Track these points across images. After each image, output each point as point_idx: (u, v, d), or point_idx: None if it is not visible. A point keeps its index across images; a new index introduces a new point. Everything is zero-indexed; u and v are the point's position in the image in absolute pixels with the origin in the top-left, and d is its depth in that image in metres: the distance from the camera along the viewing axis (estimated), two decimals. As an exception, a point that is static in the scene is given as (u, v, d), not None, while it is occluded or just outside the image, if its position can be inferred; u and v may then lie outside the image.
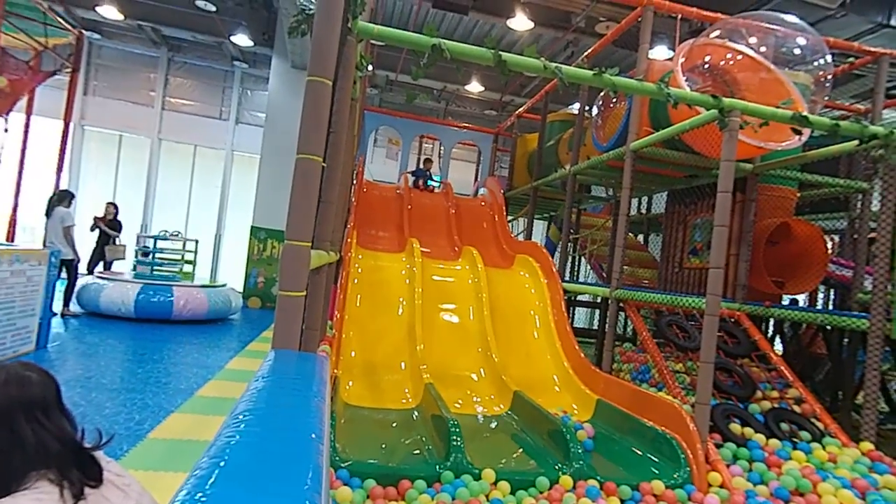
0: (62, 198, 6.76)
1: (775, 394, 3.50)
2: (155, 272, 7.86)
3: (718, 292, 2.95)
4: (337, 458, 2.53)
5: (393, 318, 4.64)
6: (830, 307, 5.51)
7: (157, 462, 2.86)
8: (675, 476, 2.79)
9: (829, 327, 4.15)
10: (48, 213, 6.69)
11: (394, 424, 3.30)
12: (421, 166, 7.89)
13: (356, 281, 4.90)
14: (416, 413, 3.51)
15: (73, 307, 7.05)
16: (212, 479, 0.47)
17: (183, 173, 12.51)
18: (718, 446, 2.98)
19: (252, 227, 10.24)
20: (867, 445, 3.05)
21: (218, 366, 5.16)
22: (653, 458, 3.00)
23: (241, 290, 9.86)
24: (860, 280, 4.25)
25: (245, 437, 0.60)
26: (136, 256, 8.02)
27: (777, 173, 4.20)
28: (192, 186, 12.62)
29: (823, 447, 3.04)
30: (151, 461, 2.86)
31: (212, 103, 12.53)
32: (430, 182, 7.63)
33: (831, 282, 4.59)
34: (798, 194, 4.64)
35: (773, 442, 3.01)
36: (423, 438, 3.07)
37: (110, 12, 9.57)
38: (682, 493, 2.67)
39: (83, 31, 7.69)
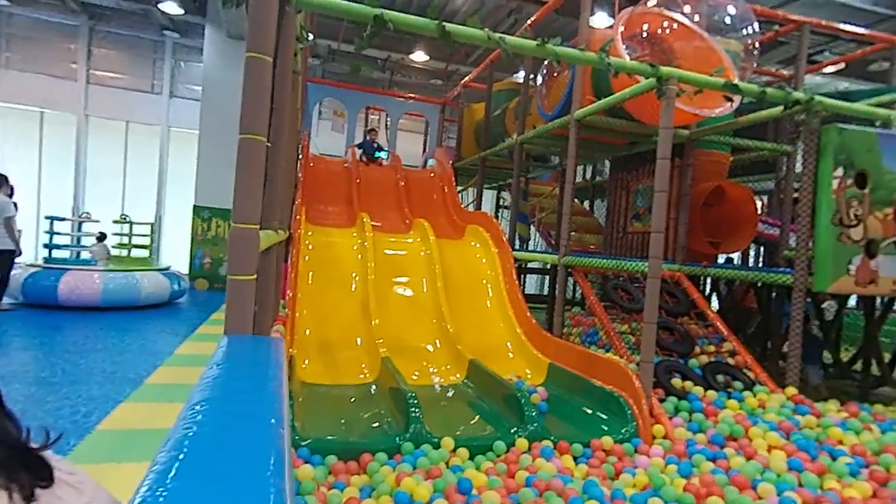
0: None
1: (712, 348, 3.77)
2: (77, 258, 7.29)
3: (659, 255, 3.11)
4: (297, 437, 2.54)
5: (346, 293, 4.61)
6: (760, 264, 5.93)
7: (109, 454, 2.77)
8: (622, 431, 2.96)
9: (759, 283, 4.48)
10: None
11: (352, 400, 3.33)
12: (366, 138, 7.53)
13: (307, 258, 4.81)
14: (373, 387, 3.55)
15: (5, 300, 6.56)
16: (171, 473, 0.47)
17: (115, 152, 11.69)
18: (661, 401, 3.19)
19: (195, 206, 9.77)
20: (791, 390, 3.35)
21: (167, 352, 4.99)
22: (602, 415, 3.17)
23: (186, 272, 9.48)
24: (786, 238, 4.57)
25: (203, 428, 0.60)
26: (50, 241, 7.37)
27: (711, 138, 4.41)
28: (126, 166, 11.82)
29: (754, 395, 3.31)
30: (102, 454, 2.76)
31: (142, 76, 11.65)
32: (377, 154, 7.45)
33: (761, 240, 4.92)
34: (730, 158, 4.90)
35: (710, 393, 3.26)
36: (382, 412, 3.12)
37: (14, -26, 8.65)
38: (629, 447, 2.84)
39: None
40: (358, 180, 6.69)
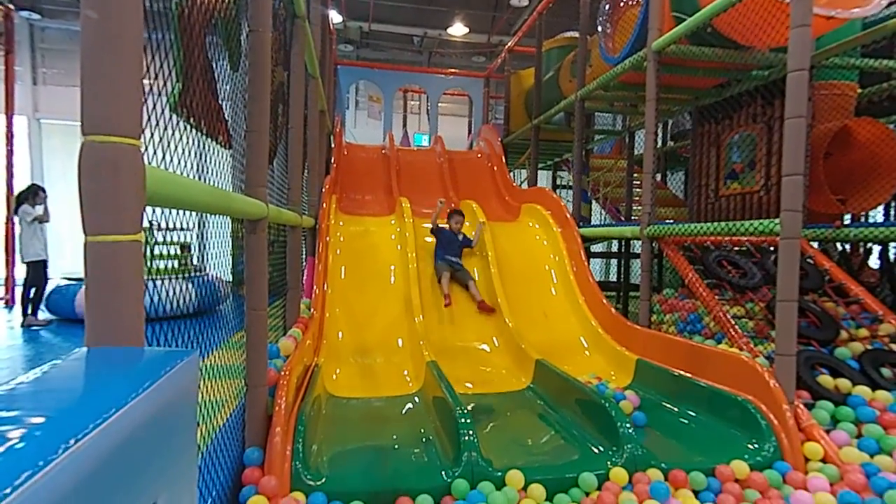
0: (28, 195, 6.10)
1: (864, 332, 2.79)
2: None
3: (798, 206, 2.22)
4: (309, 477, 1.87)
5: (385, 288, 3.96)
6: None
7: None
8: (759, 452, 2.12)
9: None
10: (17, 213, 6.06)
11: (390, 417, 2.64)
12: (445, 225, 4.19)
13: (338, 251, 4.20)
14: (417, 399, 2.85)
15: (42, 315, 6.36)
16: None
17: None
18: (808, 406, 2.30)
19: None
20: None
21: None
22: (723, 429, 2.33)
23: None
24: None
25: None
26: None
27: (834, 62, 3.38)
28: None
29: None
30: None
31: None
32: (462, 251, 4.14)
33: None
34: (858, 90, 3.81)
35: (882, 394, 2.31)
36: (426, 432, 2.40)
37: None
38: (773, 475, 2.01)
39: (11, 7, 6.83)
40: (397, 166, 6.07)
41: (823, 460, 2.05)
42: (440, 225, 4.23)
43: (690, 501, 1.84)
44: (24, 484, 0.37)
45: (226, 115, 1.53)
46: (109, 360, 0.73)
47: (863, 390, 2.30)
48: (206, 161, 1.39)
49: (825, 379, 2.40)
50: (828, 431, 2.15)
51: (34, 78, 10.31)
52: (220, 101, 1.42)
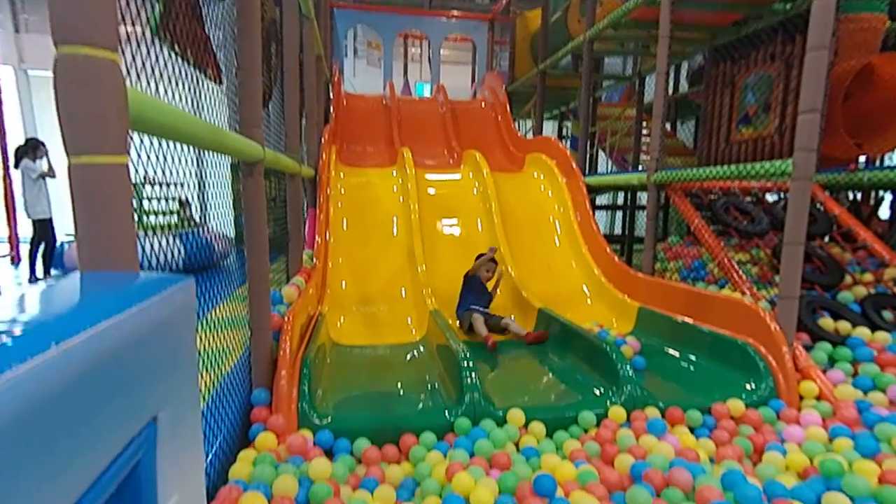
0: (27, 149, 5.99)
1: (869, 276, 2.77)
2: None
3: (813, 146, 2.15)
4: (315, 415, 1.92)
5: (388, 240, 3.95)
6: None
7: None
8: (755, 390, 2.15)
9: None
10: (17, 167, 5.99)
11: (394, 364, 2.68)
12: (475, 272, 3.28)
13: (340, 204, 4.16)
14: (421, 347, 2.89)
15: (54, 272, 6.41)
16: None
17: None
18: (808, 348, 2.31)
19: (233, 164, 9.34)
20: None
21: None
22: (722, 371, 2.36)
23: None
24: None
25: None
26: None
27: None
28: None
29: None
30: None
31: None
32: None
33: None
34: (887, 23, 3.61)
35: (882, 335, 2.32)
36: (430, 379, 2.44)
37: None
38: (768, 412, 2.05)
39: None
40: (398, 116, 5.93)
41: (818, 398, 2.08)
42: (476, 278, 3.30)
43: (686, 437, 1.88)
44: (10, 370, 0.36)
45: (214, 48, 1.47)
46: (104, 281, 0.72)
47: (862, 332, 2.32)
48: (198, 96, 1.35)
49: (826, 322, 2.41)
50: (825, 371, 2.17)
51: (16, 25, 9.84)
52: (206, 31, 1.36)
